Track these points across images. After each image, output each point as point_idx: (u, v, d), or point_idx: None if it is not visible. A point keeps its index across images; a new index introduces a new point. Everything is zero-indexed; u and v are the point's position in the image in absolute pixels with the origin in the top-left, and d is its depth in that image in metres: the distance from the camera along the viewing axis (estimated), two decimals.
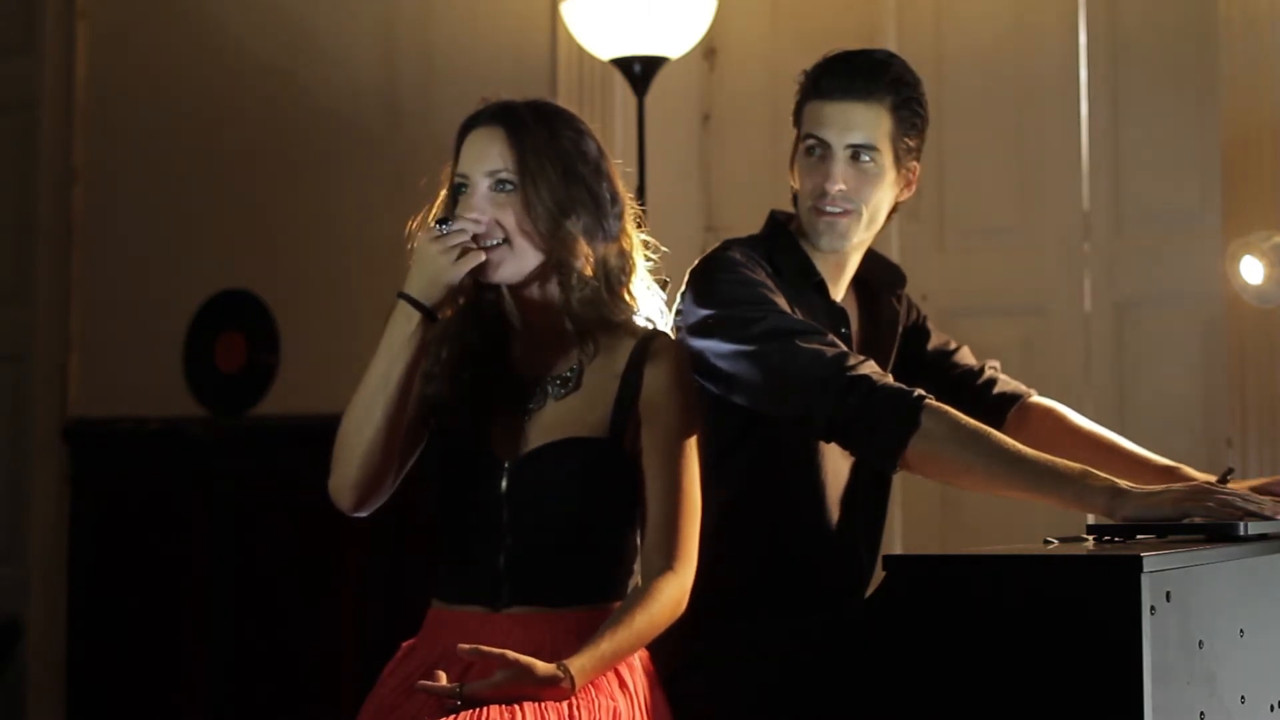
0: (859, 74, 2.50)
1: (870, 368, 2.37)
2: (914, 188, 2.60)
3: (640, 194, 3.83)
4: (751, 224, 2.67)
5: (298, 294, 4.82)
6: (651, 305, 2.35)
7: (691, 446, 2.25)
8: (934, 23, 4.30)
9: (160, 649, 4.87)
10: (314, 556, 4.63)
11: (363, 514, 2.26)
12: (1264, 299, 3.54)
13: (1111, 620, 1.82)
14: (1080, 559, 1.92)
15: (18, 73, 5.18)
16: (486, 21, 4.58)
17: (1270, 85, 3.72)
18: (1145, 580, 1.81)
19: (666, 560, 2.20)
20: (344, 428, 2.21)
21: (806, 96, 2.55)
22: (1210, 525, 2.12)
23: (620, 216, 2.30)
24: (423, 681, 2.07)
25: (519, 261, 2.23)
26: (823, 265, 2.57)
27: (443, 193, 2.31)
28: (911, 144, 2.54)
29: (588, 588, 2.23)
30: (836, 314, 2.58)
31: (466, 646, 2.07)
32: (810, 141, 2.53)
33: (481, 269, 2.21)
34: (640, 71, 4.01)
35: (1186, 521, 2.14)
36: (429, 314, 2.18)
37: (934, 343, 2.76)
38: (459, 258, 2.17)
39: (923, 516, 4.15)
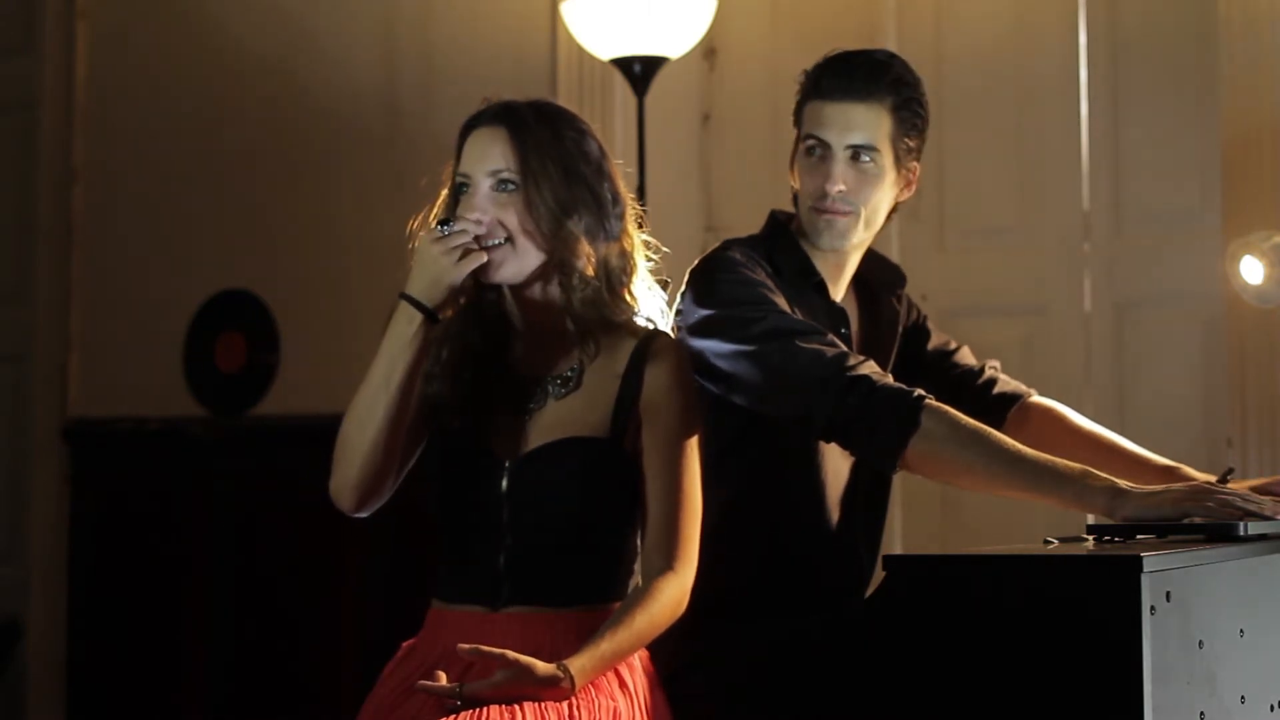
0: (859, 74, 2.51)
1: (870, 368, 2.37)
2: (914, 188, 2.60)
3: (640, 194, 3.83)
4: (751, 224, 2.67)
5: (298, 294, 4.82)
6: (652, 305, 2.35)
7: (692, 446, 2.25)
8: (934, 23, 4.30)
9: (160, 649, 4.87)
10: (314, 556, 4.64)
11: (363, 514, 2.26)
12: (1264, 299, 3.54)
13: (1111, 620, 1.82)
14: (1080, 559, 1.92)
15: (18, 73, 5.18)
16: (486, 21, 4.58)
17: (1270, 85, 3.72)
18: (1145, 580, 1.81)
19: (667, 560, 2.20)
20: (345, 428, 2.21)
21: (807, 96, 2.55)
22: (1210, 525, 2.12)
23: (622, 217, 2.30)
24: (423, 681, 2.07)
25: (521, 261, 2.23)
26: (823, 265, 2.57)
27: (444, 193, 2.31)
28: (912, 144, 2.55)
29: (588, 588, 2.23)
30: (836, 314, 2.58)
31: (466, 646, 2.07)
32: (810, 142, 2.53)
33: (483, 269, 2.21)
34: (640, 71, 4.02)
35: (1186, 521, 2.14)
36: (430, 315, 2.18)
37: (934, 343, 2.76)
38: (461, 259, 2.17)
39: (923, 516, 4.15)
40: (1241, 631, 2.04)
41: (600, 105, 4.35)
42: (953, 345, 2.78)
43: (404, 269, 2.30)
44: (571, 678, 2.08)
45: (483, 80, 4.35)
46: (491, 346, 2.31)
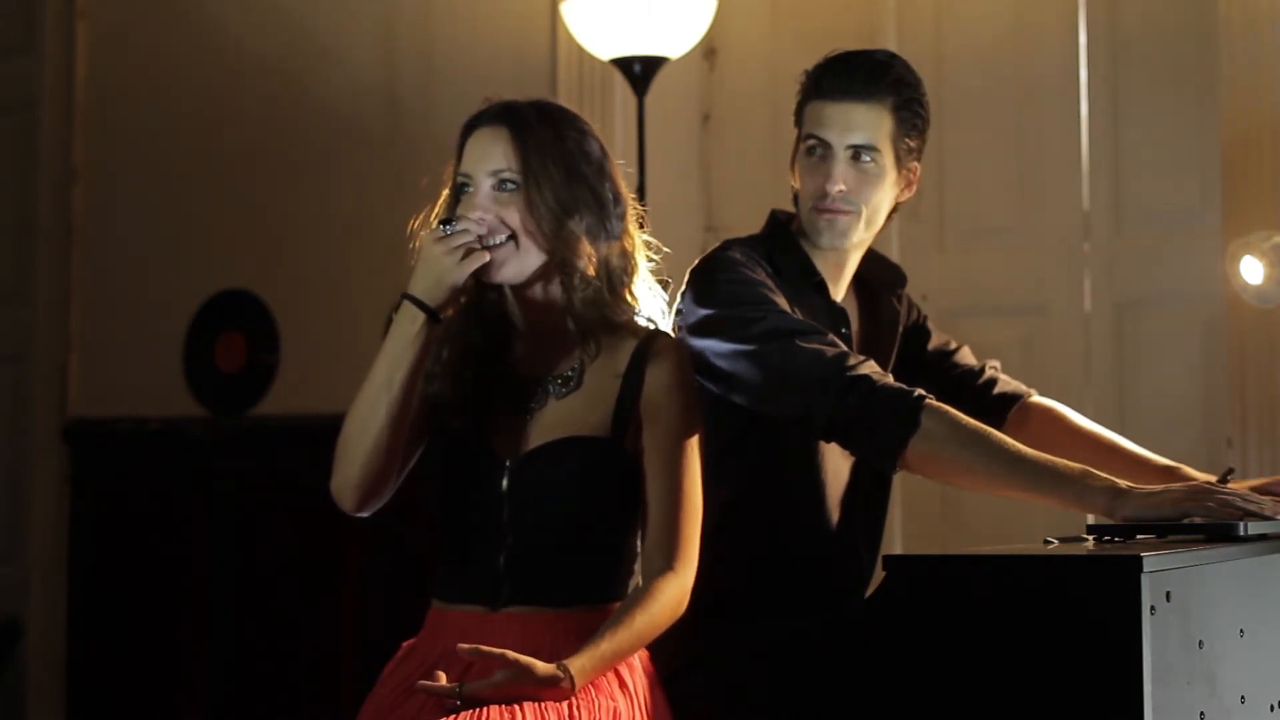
0: (860, 74, 2.51)
1: (870, 368, 2.37)
2: (914, 188, 2.60)
3: (640, 194, 3.82)
4: (751, 224, 2.67)
5: (298, 294, 4.83)
6: (653, 305, 2.35)
7: (692, 447, 2.25)
8: (934, 23, 4.30)
9: (160, 649, 4.87)
10: (314, 556, 4.64)
11: (365, 514, 2.26)
12: (1264, 299, 3.54)
13: (1111, 620, 1.82)
14: (1080, 559, 1.92)
15: (18, 73, 5.18)
16: (486, 21, 4.58)
17: (1270, 85, 3.72)
18: (1145, 580, 1.81)
19: (667, 561, 2.20)
20: (347, 428, 2.21)
21: (808, 96, 2.55)
22: (1210, 525, 2.12)
23: (623, 217, 2.30)
24: (422, 681, 2.07)
25: (522, 261, 2.23)
26: (823, 265, 2.57)
27: (445, 193, 2.31)
28: (912, 144, 2.55)
29: (588, 588, 2.23)
30: (836, 314, 2.58)
31: (466, 646, 2.07)
32: (811, 141, 2.53)
33: (485, 269, 2.21)
34: (640, 71, 4.02)
35: (1186, 521, 2.14)
36: (433, 315, 2.18)
37: (934, 343, 2.76)
38: (463, 259, 2.17)
39: (923, 516, 4.15)
40: (1241, 631, 2.04)
41: (600, 105, 4.36)
42: (953, 345, 2.78)
43: (404, 269, 2.30)
44: (571, 678, 2.08)
45: (483, 80, 4.35)
46: (492, 346, 2.31)
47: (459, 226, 2.18)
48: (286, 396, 4.81)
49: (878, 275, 2.70)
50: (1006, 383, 2.74)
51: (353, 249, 4.71)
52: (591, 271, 2.26)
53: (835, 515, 2.55)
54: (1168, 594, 1.85)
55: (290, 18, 4.86)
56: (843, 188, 2.50)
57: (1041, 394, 2.74)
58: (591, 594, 2.23)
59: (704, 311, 2.46)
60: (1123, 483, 2.20)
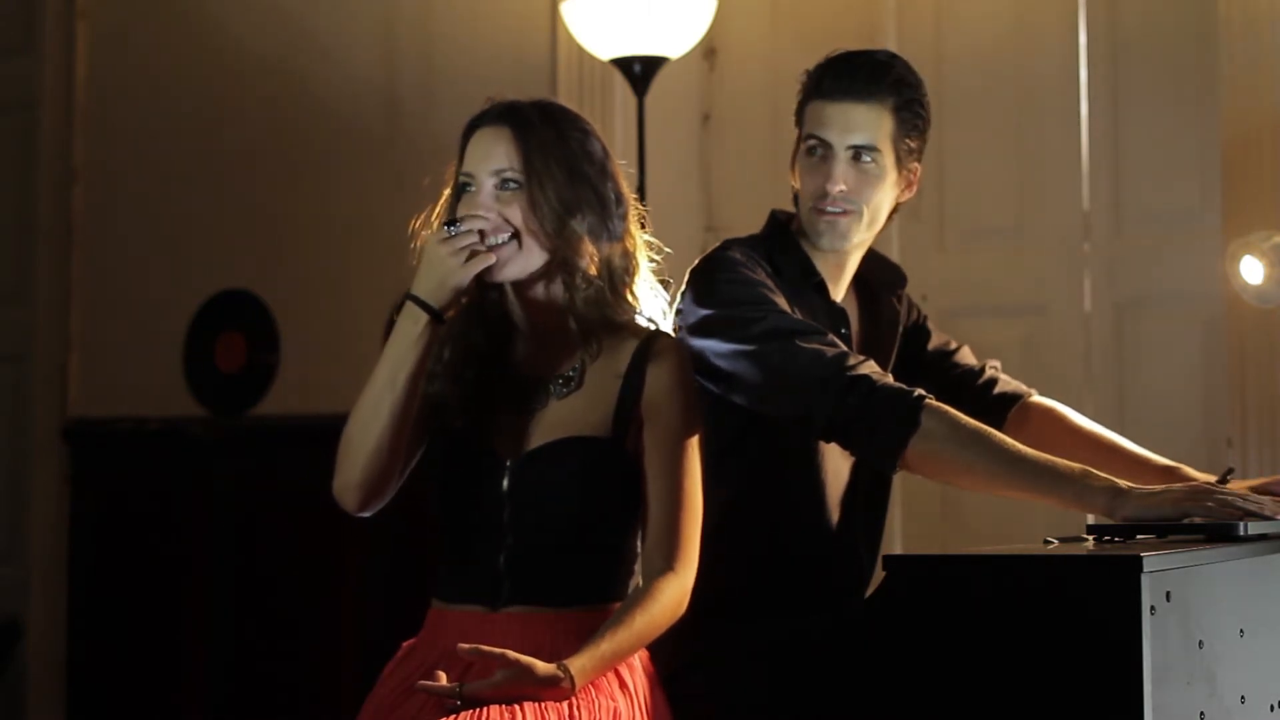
0: (861, 75, 2.51)
1: (870, 368, 2.37)
2: (915, 188, 2.60)
3: (640, 194, 3.81)
4: (751, 224, 2.67)
5: (298, 294, 4.83)
6: (655, 306, 2.35)
7: (693, 447, 2.25)
8: (934, 23, 4.30)
9: (160, 649, 4.87)
10: (314, 556, 4.64)
11: (367, 514, 2.26)
12: (1264, 299, 3.54)
13: (1111, 620, 1.82)
14: (1080, 559, 1.92)
15: (18, 73, 5.18)
16: (486, 21, 4.58)
17: (1270, 85, 3.72)
18: (1145, 580, 1.81)
19: (667, 561, 2.20)
20: (349, 428, 2.21)
21: (808, 96, 2.55)
22: (1210, 525, 2.12)
23: (625, 217, 2.30)
24: (423, 681, 2.07)
25: (525, 260, 2.23)
26: (823, 265, 2.57)
27: (446, 192, 2.31)
28: (913, 145, 2.55)
29: (588, 588, 2.23)
30: (836, 314, 2.58)
31: (466, 646, 2.08)
32: (811, 142, 2.53)
33: (487, 268, 2.21)
34: (640, 71, 4.02)
35: (1186, 521, 2.14)
36: (436, 316, 2.18)
37: (934, 343, 2.76)
38: (468, 260, 2.17)
39: (923, 516, 4.15)
40: (1241, 631, 2.04)
41: (600, 105, 4.36)
42: (953, 345, 2.78)
43: (404, 269, 2.30)
44: (572, 678, 2.08)
45: (483, 80, 4.35)
46: (493, 346, 2.31)
47: (463, 227, 2.18)
48: (286, 396, 4.81)
49: (878, 275, 2.70)
50: (1006, 383, 2.74)
51: (353, 249, 4.71)
52: (594, 271, 2.26)
53: (835, 515, 2.55)
54: (1168, 594, 1.85)
55: (290, 18, 4.86)
56: (843, 188, 2.50)
57: (1041, 394, 2.73)
58: (592, 594, 2.23)
59: (704, 311, 2.46)
60: (1123, 483, 2.20)
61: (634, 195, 2.34)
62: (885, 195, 2.54)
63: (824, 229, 2.53)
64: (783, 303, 2.46)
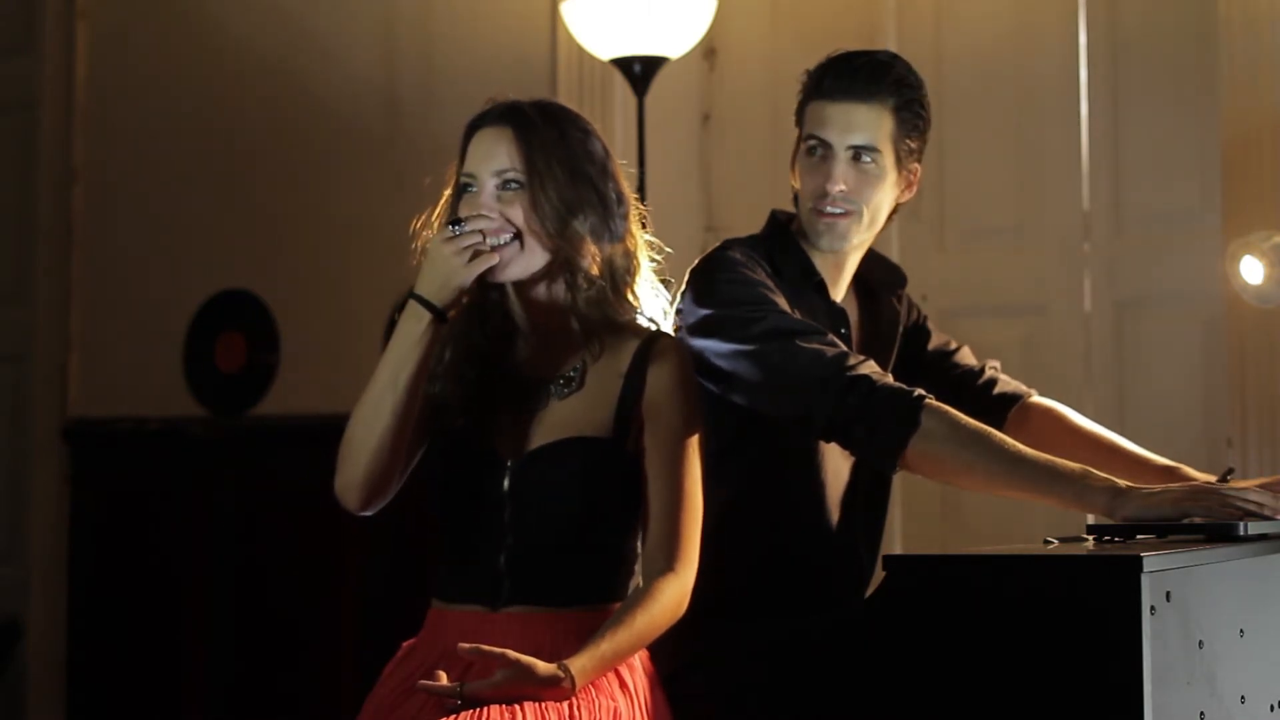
0: (861, 75, 2.50)
1: (870, 368, 2.37)
2: (915, 189, 2.60)
3: (640, 194, 3.81)
4: (751, 224, 2.67)
5: (298, 294, 4.83)
6: (655, 306, 2.35)
7: (694, 447, 2.25)
8: (934, 23, 4.30)
9: (160, 649, 4.87)
10: (314, 556, 4.64)
11: (368, 513, 2.26)
12: (1264, 299, 3.54)
13: (1111, 620, 1.82)
14: (1080, 559, 1.92)
15: (18, 73, 5.18)
16: (486, 21, 4.58)
17: (1270, 85, 3.72)
18: (1145, 580, 1.81)
19: (668, 561, 2.20)
20: (351, 427, 2.21)
21: (809, 96, 2.55)
22: (1210, 525, 2.12)
23: (626, 217, 2.31)
24: (423, 681, 2.07)
25: (527, 260, 2.23)
26: (823, 265, 2.57)
27: (447, 193, 2.31)
28: (913, 145, 2.54)
29: (588, 588, 2.23)
30: (836, 314, 2.58)
31: (467, 646, 2.08)
32: (812, 142, 2.53)
33: (490, 268, 2.21)
34: (640, 71, 4.01)
35: (1186, 521, 2.14)
36: (440, 315, 2.18)
37: (934, 343, 2.76)
38: (471, 259, 2.17)
39: (923, 516, 4.15)
40: (1241, 631, 2.04)
41: (600, 105, 4.36)
42: (953, 345, 2.78)
43: (404, 269, 2.31)
44: (572, 678, 2.08)
45: (483, 80, 4.35)
46: (495, 346, 2.31)
47: (467, 227, 2.18)
48: (286, 396, 4.81)
49: (878, 276, 2.70)
50: (1006, 383, 2.74)
51: (353, 249, 4.71)
52: (595, 271, 2.26)
53: (835, 515, 2.55)
54: (1168, 594, 1.85)
55: (290, 18, 4.86)
56: (843, 188, 2.50)
57: (1041, 394, 2.73)
58: (592, 594, 2.23)
59: (704, 311, 2.46)
60: (1123, 483, 2.20)
61: (635, 195, 2.34)
62: (885, 195, 2.54)
63: (824, 229, 2.53)
64: (783, 303, 2.46)
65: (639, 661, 2.22)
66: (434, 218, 2.31)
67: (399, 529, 4.08)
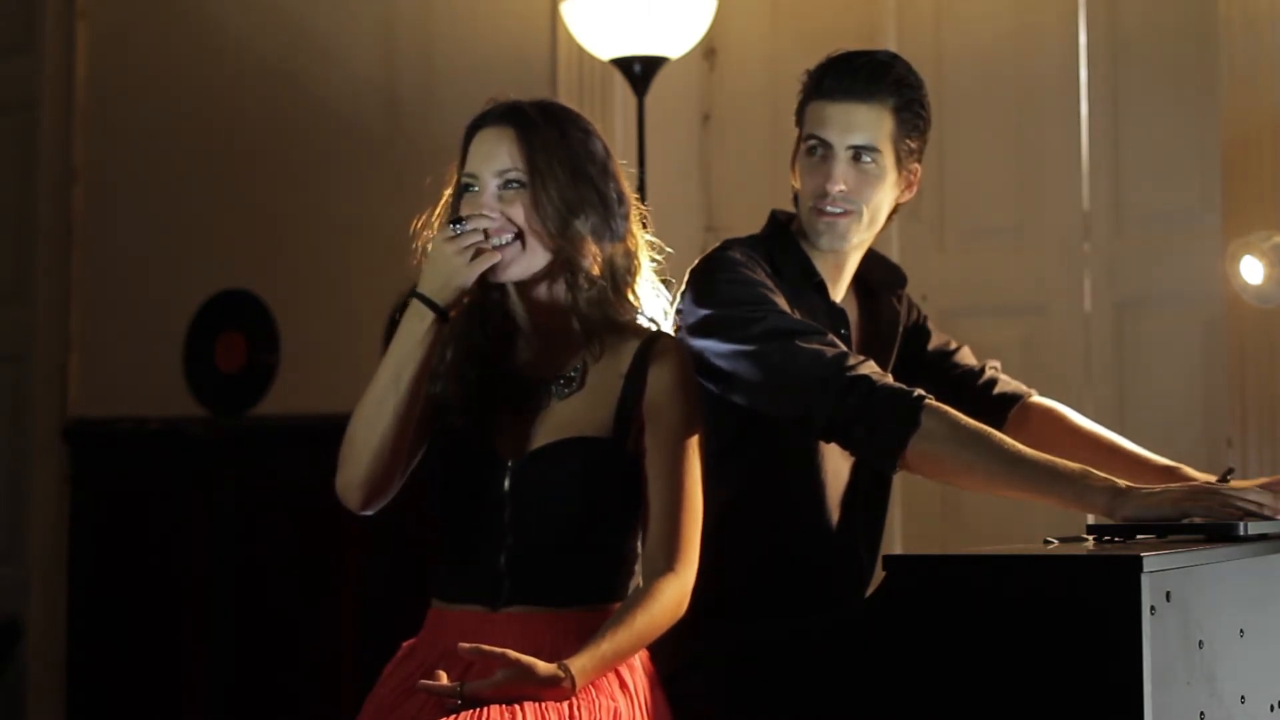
0: (862, 75, 2.50)
1: (870, 368, 2.37)
2: (915, 189, 2.60)
3: (640, 194, 3.81)
4: (751, 224, 2.67)
5: (298, 294, 4.83)
6: (656, 306, 2.35)
7: (694, 447, 2.25)
8: (934, 23, 4.30)
9: (160, 649, 4.87)
10: (314, 556, 4.64)
11: (369, 512, 2.26)
12: (1264, 299, 3.54)
13: (1111, 620, 1.82)
14: (1080, 559, 1.92)
15: (18, 73, 5.18)
16: (486, 21, 4.58)
17: (1270, 85, 3.72)
18: (1145, 580, 1.81)
19: (668, 561, 2.20)
20: (353, 426, 2.21)
21: (809, 96, 2.55)
22: (1210, 525, 2.12)
23: (626, 217, 2.31)
24: (424, 681, 2.07)
25: (528, 260, 2.24)
26: (823, 265, 2.57)
27: (447, 193, 2.31)
28: (913, 145, 2.54)
29: (588, 588, 2.23)
30: (836, 314, 2.58)
31: (467, 646, 2.08)
32: (812, 141, 2.53)
33: (491, 268, 2.21)
34: (640, 71, 4.01)
35: (1186, 521, 2.14)
36: (442, 314, 2.18)
37: (934, 343, 2.76)
38: (473, 258, 2.17)
39: (923, 516, 4.15)
40: (1241, 631, 2.04)
41: (600, 105, 4.36)
42: (953, 345, 2.78)
43: (404, 269, 2.31)
44: (572, 677, 2.08)
45: (483, 80, 4.36)
46: (495, 346, 2.31)
47: (469, 225, 2.18)
48: (286, 396, 4.81)
49: (878, 276, 2.70)
50: (1006, 383, 2.73)
51: (353, 249, 4.71)
52: (596, 271, 2.26)
53: (835, 515, 2.55)
54: (1168, 594, 1.85)
55: (290, 18, 4.86)
56: (843, 188, 2.50)
57: (1041, 394, 2.73)
58: (592, 594, 2.23)
59: (704, 311, 2.46)
60: (1122, 483, 2.20)
61: (635, 195, 2.34)
62: (885, 195, 2.54)
63: (824, 229, 2.53)
64: (782, 303, 2.46)
65: (639, 662, 2.22)
66: (434, 218, 2.31)
67: (399, 529, 4.07)
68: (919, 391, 2.33)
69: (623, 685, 2.17)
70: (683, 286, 2.52)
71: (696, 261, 2.55)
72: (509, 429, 2.26)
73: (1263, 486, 2.33)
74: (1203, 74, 3.92)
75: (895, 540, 4.14)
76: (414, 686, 2.12)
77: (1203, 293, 3.88)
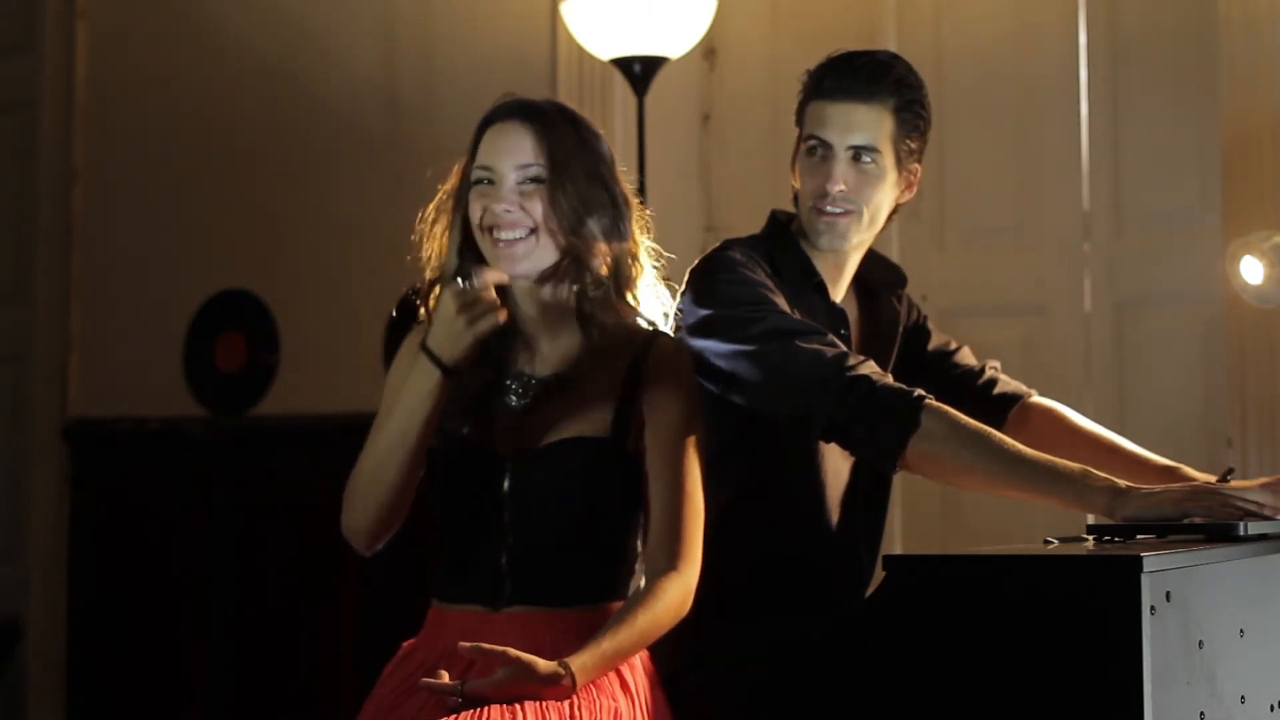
0: (862, 75, 2.50)
1: (870, 368, 2.37)
2: (915, 189, 2.60)
3: (640, 194, 3.82)
4: (751, 224, 2.67)
5: (298, 294, 4.83)
6: (656, 307, 2.36)
7: (694, 447, 2.25)
8: (934, 23, 4.30)
9: (160, 649, 4.87)
10: (314, 556, 4.63)
11: (375, 550, 2.29)
12: (1264, 299, 3.54)
13: (1111, 620, 1.82)
14: (1080, 559, 1.92)
15: (18, 73, 5.18)
16: (486, 21, 4.58)
17: (1270, 85, 3.72)
18: (1145, 580, 1.81)
19: (671, 560, 2.20)
20: (358, 477, 2.25)
21: (809, 96, 2.55)
22: (1210, 525, 2.12)
23: (629, 219, 2.32)
24: (425, 679, 2.08)
25: (539, 257, 2.25)
26: (823, 266, 2.57)
27: (447, 186, 2.31)
28: (913, 146, 2.54)
29: (589, 588, 2.23)
30: (836, 315, 2.58)
31: (467, 645, 2.08)
32: (812, 142, 2.53)
33: (504, 262, 2.22)
34: (640, 71, 4.01)
35: (1186, 521, 2.14)
36: (446, 371, 2.18)
37: (934, 343, 2.76)
38: (478, 318, 2.16)
39: (923, 516, 4.14)
40: (1241, 631, 2.04)
41: (600, 105, 4.35)
42: (953, 345, 2.78)
43: (404, 269, 2.31)
44: (572, 675, 2.08)
45: (483, 80, 4.36)
46: (495, 346, 2.31)
47: (478, 280, 2.17)
48: (286, 396, 4.81)
49: (878, 276, 2.70)
50: (1006, 383, 2.73)
51: (353, 249, 4.71)
52: (604, 272, 2.28)
53: (835, 515, 2.55)
54: (1168, 594, 1.85)
55: (290, 18, 4.86)
56: (843, 188, 2.50)
57: (1041, 394, 2.73)
58: (593, 594, 2.23)
59: (703, 311, 2.46)
60: (1122, 483, 2.20)
61: (638, 199, 2.35)
62: (885, 196, 2.54)
63: (824, 229, 2.53)
64: (782, 303, 2.46)
65: (640, 661, 2.22)
66: (428, 210, 2.31)
67: (399, 529, 4.07)
68: (919, 391, 2.33)
69: (624, 685, 2.17)
70: (683, 287, 2.52)
71: (696, 261, 2.55)
72: (508, 429, 2.26)
73: (1263, 486, 2.33)
74: (1203, 74, 3.92)
75: (895, 540, 4.14)
76: (414, 686, 2.12)
77: (1203, 293, 3.88)
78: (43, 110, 5.11)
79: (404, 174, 4.46)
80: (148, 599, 4.91)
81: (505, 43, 4.55)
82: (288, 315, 4.83)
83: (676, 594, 2.19)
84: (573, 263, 2.25)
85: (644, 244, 2.35)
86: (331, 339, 4.73)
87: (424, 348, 2.19)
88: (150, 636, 4.89)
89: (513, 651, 2.05)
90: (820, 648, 2.27)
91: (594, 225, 2.25)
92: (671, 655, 2.29)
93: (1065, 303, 4.12)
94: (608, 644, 2.12)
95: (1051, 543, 2.17)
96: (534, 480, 2.22)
